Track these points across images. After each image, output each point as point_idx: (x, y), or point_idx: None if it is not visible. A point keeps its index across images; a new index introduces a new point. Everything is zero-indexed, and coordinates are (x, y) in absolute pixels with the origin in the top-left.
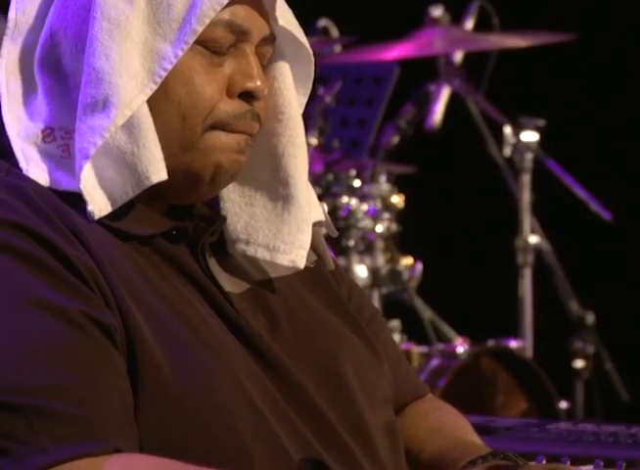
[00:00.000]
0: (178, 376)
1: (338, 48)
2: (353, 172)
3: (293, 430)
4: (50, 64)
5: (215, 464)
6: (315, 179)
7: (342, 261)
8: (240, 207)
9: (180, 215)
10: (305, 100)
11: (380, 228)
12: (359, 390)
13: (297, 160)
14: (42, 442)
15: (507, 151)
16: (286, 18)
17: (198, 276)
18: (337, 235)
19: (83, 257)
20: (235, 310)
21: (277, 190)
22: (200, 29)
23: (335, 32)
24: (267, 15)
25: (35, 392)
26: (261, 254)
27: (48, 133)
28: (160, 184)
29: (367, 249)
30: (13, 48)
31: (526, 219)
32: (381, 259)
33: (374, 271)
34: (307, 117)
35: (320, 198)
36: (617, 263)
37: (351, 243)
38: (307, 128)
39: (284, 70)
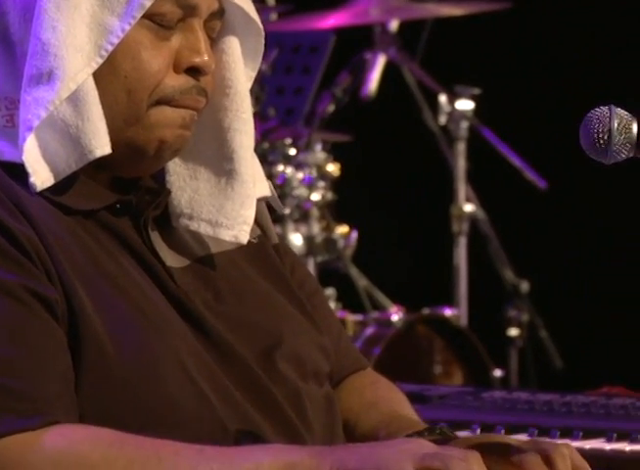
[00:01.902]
0: (119, 350)
1: (274, 16)
2: (289, 141)
3: (232, 402)
4: None
5: (154, 436)
6: None
7: (277, 230)
8: (184, 180)
9: (125, 188)
10: (254, 74)
11: (315, 196)
12: (297, 364)
13: (242, 135)
14: None
15: (442, 119)
16: None
17: (140, 250)
18: (283, 211)
19: (26, 230)
20: (176, 285)
21: (222, 165)
22: (147, 4)
23: (271, 1)
24: None
25: None
26: (204, 229)
27: None
28: (105, 157)
29: (302, 217)
30: None
31: (461, 188)
32: (316, 228)
33: (309, 240)
34: None
35: None
36: (551, 232)
37: (287, 211)
38: None
39: (233, 44)
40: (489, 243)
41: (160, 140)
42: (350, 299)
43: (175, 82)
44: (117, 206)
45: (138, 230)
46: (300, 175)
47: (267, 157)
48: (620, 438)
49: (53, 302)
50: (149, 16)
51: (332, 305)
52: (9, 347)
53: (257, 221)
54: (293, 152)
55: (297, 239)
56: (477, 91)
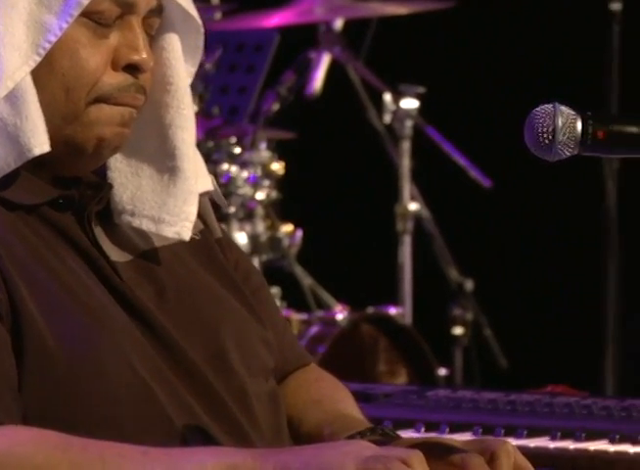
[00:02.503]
0: (63, 349)
1: (218, 15)
2: (233, 139)
3: (177, 398)
4: None
5: (99, 436)
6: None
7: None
8: (126, 177)
9: (67, 184)
10: (194, 70)
11: (260, 195)
12: (242, 359)
13: (184, 131)
14: None
15: (387, 118)
16: None
17: (84, 245)
18: (227, 206)
19: None
20: (121, 279)
21: (164, 162)
22: (85, 2)
23: None
24: None
25: None
26: (147, 225)
27: None
28: (44, 155)
29: (247, 216)
30: None
31: (406, 186)
32: (261, 227)
33: (254, 238)
34: None
35: None
36: (495, 231)
37: (231, 210)
38: None
39: (173, 41)
40: (434, 242)
41: (99, 138)
42: (295, 297)
43: (113, 80)
44: (60, 201)
45: (81, 225)
46: (245, 174)
47: (212, 155)
48: (564, 436)
49: None
50: (87, 14)
51: (277, 303)
52: None
53: (200, 216)
54: (237, 150)
55: (241, 238)
56: (421, 90)
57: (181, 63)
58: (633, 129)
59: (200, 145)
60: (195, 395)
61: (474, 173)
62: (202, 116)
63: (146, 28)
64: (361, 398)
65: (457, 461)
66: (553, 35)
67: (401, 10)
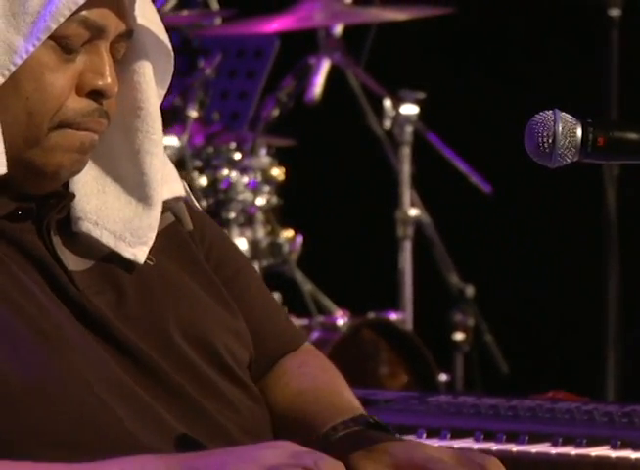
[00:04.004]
0: (14, 375)
1: (218, 21)
2: (233, 145)
3: (141, 409)
4: None
5: (58, 459)
6: (195, 152)
7: None
8: (92, 191)
9: (26, 197)
10: (164, 92)
11: (260, 201)
12: (213, 357)
13: (152, 157)
14: None
15: (387, 124)
16: (146, 15)
17: (40, 256)
18: (199, 208)
19: None
20: (77, 289)
21: (132, 186)
22: (53, 27)
23: (215, 5)
24: (126, 12)
25: None
26: (106, 239)
27: None
28: (3, 176)
29: (247, 222)
30: None
31: (406, 192)
32: (261, 232)
33: (254, 244)
34: (187, 88)
35: (200, 170)
36: (496, 236)
37: (232, 216)
38: (187, 100)
39: (144, 65)
40: (434, 247)
41: (58, 164)
42: (296, 303)
43: (77, 105)
44: (19, 213)
45: (40, 234)
46: (245, 180)
47: (212, 161)
48: (566, 442)
49: None
50: (55, 38)
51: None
52: None
53: (172, 210)
54: (237, 156)
55: (242, 243)
56: (421, 95)
57: (152, 87)
58: (633, 136)
59: (200, 150)
60: (163, 400)
61: (474, 179)
62: (202, 121)
63: (113, 53)
64: (362, 403)
65: None
66: (552, 41)
67: (401, 15)
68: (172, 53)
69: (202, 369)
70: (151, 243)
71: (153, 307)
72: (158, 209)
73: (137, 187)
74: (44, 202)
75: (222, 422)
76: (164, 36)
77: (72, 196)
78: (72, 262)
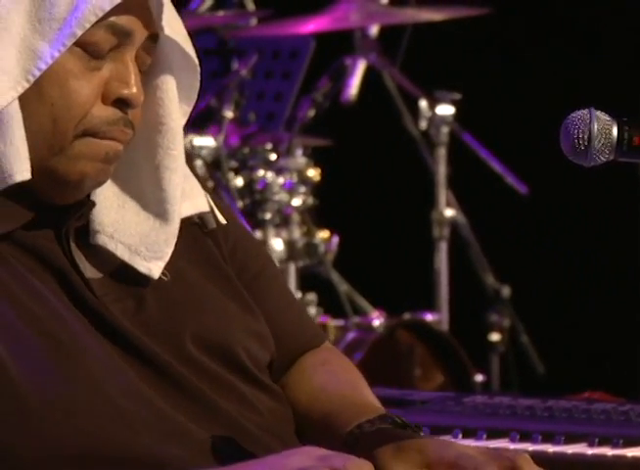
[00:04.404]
0: (33, 390)
1: (253, 21)
2: (269, 146)
3: (162, 418)
4: None
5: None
6: (231, 152)
7: (258, 235)
8: (112, 205)
9: (48, 205)
10: (190, 109)
11: (296, 202)
12: (231, 362)
13: (172, 173)
14: None
15: (423, 124)
16: (173, 27)
17: (58, 263)
18: (214, 225)
19: None
20: (95, 296)
21: (151, 202)
22: (79, 33)
23: (250, 5)
24: (152, 18)
25: None
26: (121, 252)
27: None
28: (26, 182)
29: (283, 222)
30: None
31: (442, 193)
32: (297, 233)
33: (290, 245)
34: (223, 89)
35: (236, 171)
36: (532, 237)
37: (267, 216)
38: (223, 101)
39: (167, 80)
40: (470, 248)
41: (82, 173)
42: (332, 304)
43: (103, 114)
44: (38, 220)
45: (59, 241)
46: (281, 180)
47: (248, 162)
48: (602, 442)
49: None
50: (81, 44)
51: (312, 310)
52: None
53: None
54: (273, 157)
55: (277, 244)
56: (457, 96)
57: (175, 103)
58: None
59: (236, 151)
60: (183, 408)
61: (510, 179)
62: (237, 122)
63: (138, 63)
64: (398, 404)
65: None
66: (589, 40)
67: (437, 16)
68: (199, 68)
69: (221, 374)
70: (167, 258)
71: (172, 314)
72: (175, 224)
73: (156, 203)
74: (64, 209)
75: (245, 424)
76: (191, 50)
77: (93, 204)
78: (90, 270)
